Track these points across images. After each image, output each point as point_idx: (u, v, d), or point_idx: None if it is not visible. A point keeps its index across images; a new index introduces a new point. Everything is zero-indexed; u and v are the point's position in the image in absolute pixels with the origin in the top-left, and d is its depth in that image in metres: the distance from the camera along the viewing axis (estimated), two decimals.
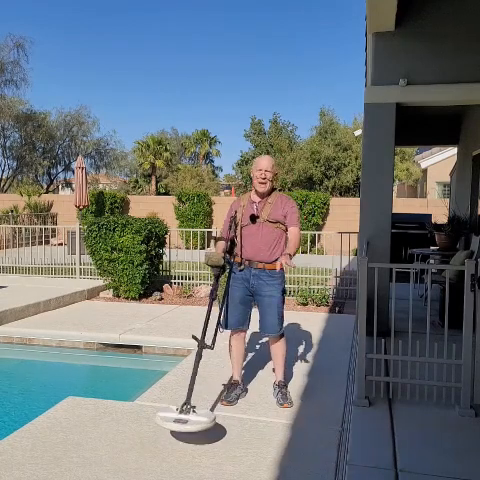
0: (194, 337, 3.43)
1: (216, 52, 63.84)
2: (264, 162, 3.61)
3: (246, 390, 3.90)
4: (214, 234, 3.88)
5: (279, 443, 3.11)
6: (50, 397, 4.12)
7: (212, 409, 3.59)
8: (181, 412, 3.12)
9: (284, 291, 3.70)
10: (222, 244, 3.72)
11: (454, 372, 3.33)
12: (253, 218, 3.53)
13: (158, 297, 7.70)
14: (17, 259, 9.78)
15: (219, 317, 3.65)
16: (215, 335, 3.56)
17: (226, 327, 3.72)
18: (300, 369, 4.43)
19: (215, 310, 3.63)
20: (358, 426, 3.08)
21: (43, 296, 7.01)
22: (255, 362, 4.60)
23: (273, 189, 3.68)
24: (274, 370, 3.86)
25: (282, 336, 3.72)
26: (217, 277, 3.64)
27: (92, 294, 7.91)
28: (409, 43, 4.89)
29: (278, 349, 3.74)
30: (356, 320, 4.32)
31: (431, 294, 5.64)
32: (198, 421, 3.04)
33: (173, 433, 3.19)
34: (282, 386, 3.75)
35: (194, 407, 3.16)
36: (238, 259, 3.66)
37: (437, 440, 2.91)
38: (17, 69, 23.12)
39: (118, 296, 7.79)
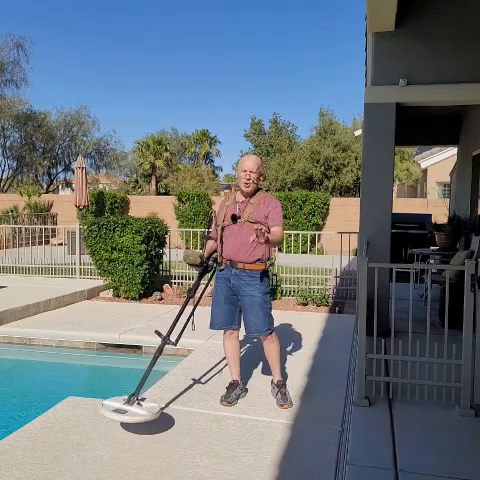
0: (157, 332, 3.50)
1: (216, 52, 63.90)
2: (248, 163, 3.56)
3: (246, 390, 3.90)
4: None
5: (279, 443, 3.11)
6: (50, 397, 4.12)
7: (211, 409, 3.59)
8: (126, 403, 3.18)
9: (269, 292, 3.69)
10: (210, 243, 3.81)
11: (454, 372, 3.32)
12: (234, 218, 3.51)
13: (158, 297, 7.70)
14: (17, 259, 9.79)
15: (191, 314, 3.71)
16: (181, 332, 3.66)
17: (212, 326, 3.74)
18: (300, 369, 4.43)
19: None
20: (358, 426, 3.08)
21: (43, 296, 7.01)
22: (254, 361, 4.60)
23: (258, 189, 3.66)
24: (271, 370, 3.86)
25: (272, 336, 3.68)
26: (200, 275, 3.73)
27: (92, 294, 7.91)
28: (409, 43, 4.89)
29: (270, 349, 3.72)
30: (356, 320, 4.32)
31: (431, 294, 5.64)
32: (136, 413, 3.10)
33: (122, 424, 3.26)
34: (280, 385, 3.74)
35: (142, 400, 3.24)
36: (220, 259, 3.67)
37: (437, 440, 2.91)
38: (17, 69, 23.16)
39: (118, 296, 7.79)
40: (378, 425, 3.10)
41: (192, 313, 3.75)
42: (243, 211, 3.58)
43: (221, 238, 3.65)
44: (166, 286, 8.07)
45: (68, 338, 5.71)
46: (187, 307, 3.69)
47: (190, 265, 3.70)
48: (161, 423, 3.36)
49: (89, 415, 3.51)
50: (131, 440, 3.15)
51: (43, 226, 11.53)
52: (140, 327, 5.93)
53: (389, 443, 2.85)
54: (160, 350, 3.48)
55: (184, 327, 3.70)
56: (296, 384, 4.07)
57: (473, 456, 2.73)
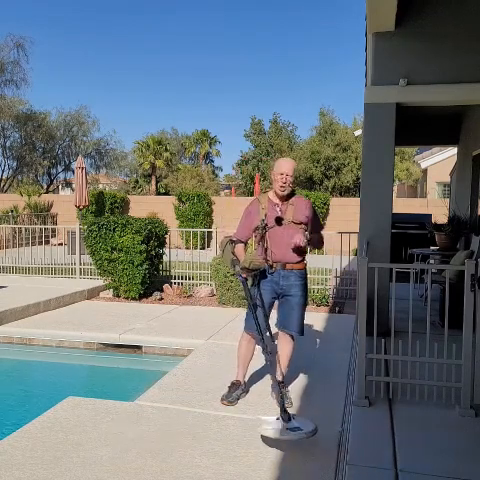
0: (265, 351, 3.38)
1: (216, 52, 63.90)
2: (287, 166, 3.62)
3: (247, 391, 3.89)
4: (225, 235, 3.78)
5: (279, 443, 3.11)
6: (50, 397, 4.12)
7: (211, 409, 3.59)
8: (285, 421, 3.09)
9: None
10: (242, 247, 3.72)
11: (454, 372, 3.32)
12: (279, 220, 3.56)
13: (158, 297, 7.70)
14: (17, 259, 9.78)
15: (257, 322, 3.46)
16: (271, 335, 3.53)
17: (252, 330, 3.57)
18: (300, 369, 4.43)
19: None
20: (358, 426, 3.08)
21: (43, 296, 7.01)
22: (255, 362, 4.59)
23: (293, 191, 3.72)
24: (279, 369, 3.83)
25: (293, 337, 3.77)
26: (246, 281, 3.52)
27: (92, 294, 7.91)
28: (409, 43, 4.89)
29: (288, 349, 3.76)
30: (356, 320, 4.32)
31: (431, 294, 5.63)
32: (307, 425, 3.05)
33: (266, 440, 3.09)
34: (282, 386, 3.73)
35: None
36: (269, 262, 3.62)
37: (437, 440, 2.91)
38: (17, 69, 23.18)
39: (118, 296, 7.79)
40: (378, 425, 3.10)
41: (256, 320, 3.50)
42: (284, 213, 3.62)
43: (265, 241, 3.61)
44: (166, 286, 8.07)
45: (68, 338, 5.71)
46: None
47: (250, 270, 3.45)
48: (161, 423, 3.36)
49: (89, 415, 3.51)
50: (131, 440, 3.15)
51: (43, 226, 11.54)
52: (140, 327, 5.92)
53: (389, 443, 2.85)
54: (271, 362, 3.38)
55: (270, 331, 3.55)
56: (296, 384, 4.07)
57: (473, 456, 2.73)
